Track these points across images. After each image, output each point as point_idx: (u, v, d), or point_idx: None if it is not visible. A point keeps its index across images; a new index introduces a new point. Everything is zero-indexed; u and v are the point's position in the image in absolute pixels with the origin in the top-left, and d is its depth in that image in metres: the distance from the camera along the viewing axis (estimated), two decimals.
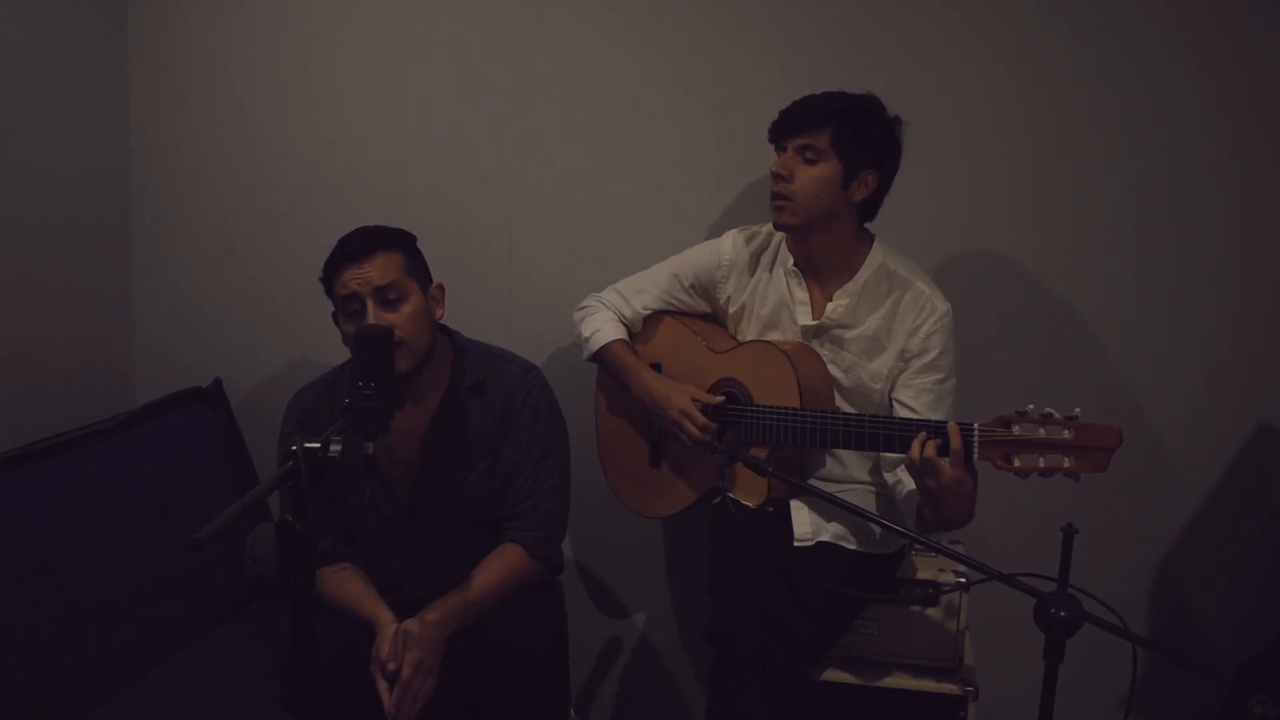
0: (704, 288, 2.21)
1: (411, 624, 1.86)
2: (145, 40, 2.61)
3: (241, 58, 2.59)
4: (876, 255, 2.06)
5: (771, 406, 2.00)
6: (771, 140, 2.04)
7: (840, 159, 1.97)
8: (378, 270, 1.95)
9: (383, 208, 2.52)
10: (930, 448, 1.76)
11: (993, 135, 2.35)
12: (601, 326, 2.22)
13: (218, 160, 2.64)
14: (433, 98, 2.54)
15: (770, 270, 2.13)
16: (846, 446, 1.93)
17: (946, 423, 1.79)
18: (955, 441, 1.76)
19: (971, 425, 1.76)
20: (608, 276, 2.32)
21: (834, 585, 1.88)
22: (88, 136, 2.54)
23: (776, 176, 2.00)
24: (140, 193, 2.67)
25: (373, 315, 1.93)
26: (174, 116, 2.63)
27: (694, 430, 2.06)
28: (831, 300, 2.06)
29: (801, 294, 2.09)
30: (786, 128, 2.01)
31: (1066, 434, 1.68)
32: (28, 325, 2.36)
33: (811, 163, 1.98)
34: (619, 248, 2.47)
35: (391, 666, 1.81)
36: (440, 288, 2.09)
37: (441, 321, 2.10)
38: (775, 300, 2.11)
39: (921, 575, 2.13)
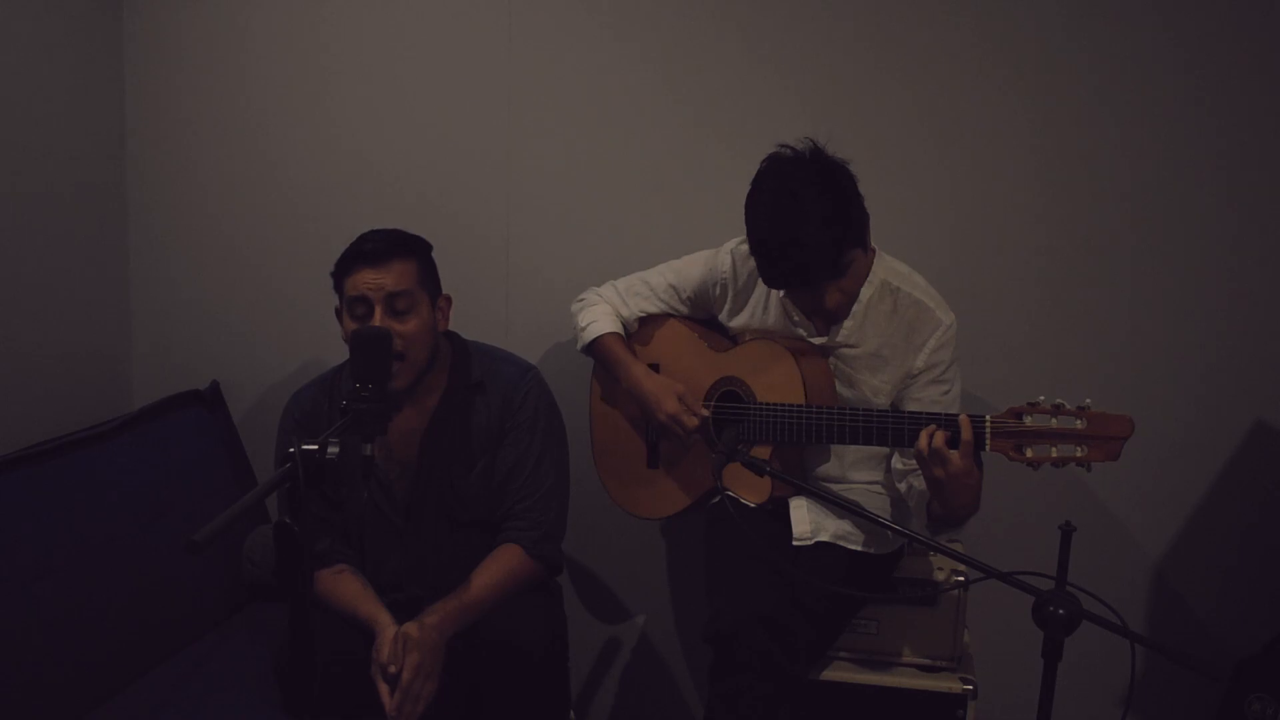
0: (702, 301, 2.21)
1: (411, 627, 1.85)
2: (141, 40, 2.61)
3: (239, 58, 2.59)
4: (878, 272, 2.04)
5: (776, 404, 2.00)
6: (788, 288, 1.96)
7: (861, 246, 1.93)
8: (393, 278, 1.95)
9: (382, 208, 2.53)
10: (939, 438, 1.77)
11: (992, 135, 2.35)
12: (598, 319, 2.22)
13: (215, 161, 2.64)
14: (431, 98, 2.54)
15: (769, 294, 2.11)
16: (855, 442, 1.93)
17: (957, 415, 1.79)
18: (966, 432, 1.76)
19: (983, 417, 1.77)
20: (606, 275, 2.33)
21: (833, 585, 1.88)
22: (84, 136, 2.53)
23: (817, 309, 1.95)
24: (137, 194, 2.66)
25: (379, 322, 1.93)
26: (171, 117, 2.63)
27: (683, 433, 2.08)
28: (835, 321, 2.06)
29: (799, 316, 2.08)
30: (809, 285, 1.90)
31: (1079, 424, 1.69)
32: (26, 328, 2.35)
33: (844, 272, 1.91)
34: (617, 247, 2.47)
35: (392, 669, 1.81)
36: (448, 299, 2.09)
37: None
38: (775, 324, 2.11)
39: (920, 574, 2.14)
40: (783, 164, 1.89)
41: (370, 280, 1.94)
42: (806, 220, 1.82)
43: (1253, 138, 2.28)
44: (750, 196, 1.92)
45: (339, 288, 2.00)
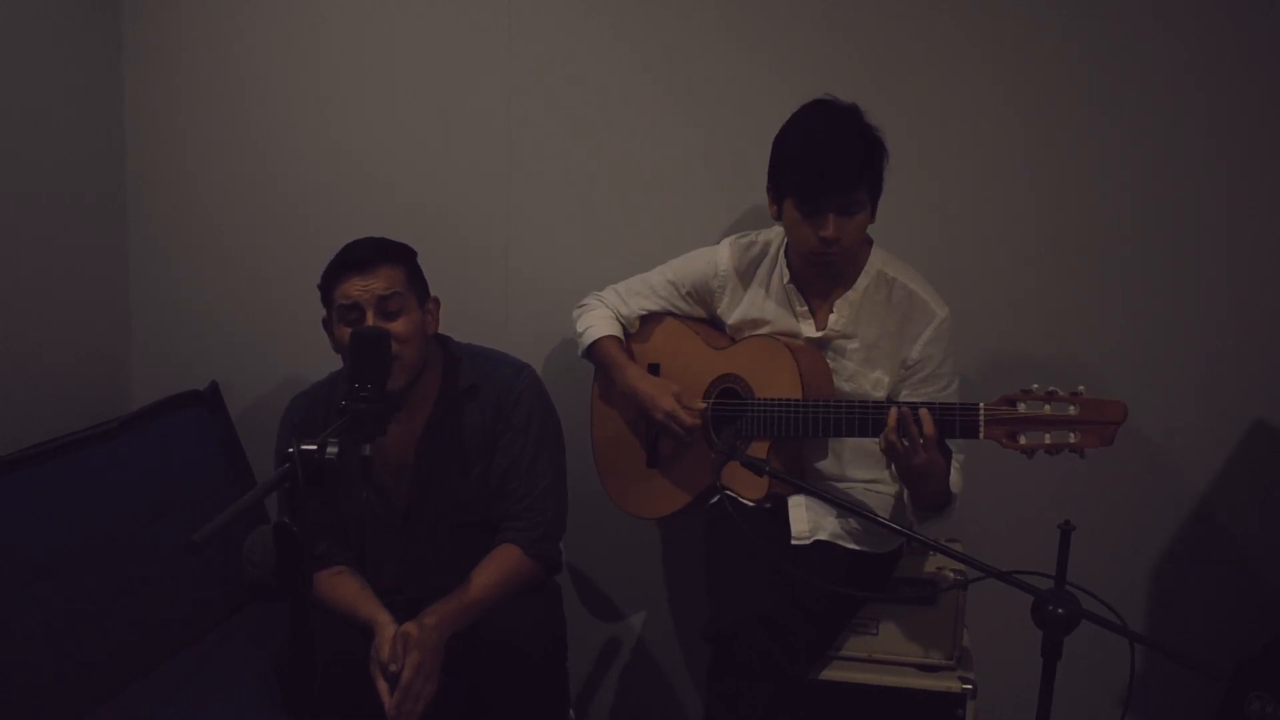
0: (701, 297, 2.22)
1: (410, 627, 1.86)
2: (140, 41, 2.61)
3: (238, 58, 2.59)
4: (875, 262, 2.06)
5: (773, 399, 2.00)
6: (803, 202, 1.93)
7: (870, 200, 1.96)
8: (381, 283, 1.95)
9: (381, 209, 2.53)
10: (911, 429, 1.79)
11: (991, 128, 2.35)
12: (595, 323, 2.23)
13: (215, 161, 2.64)
14: (431, 99, 2.54)
15: (768, 283, 2.13)
16: (852, 434, 1.94)
17: (919, 405, 1.81)
18: (928, 426, 1.79)
19: (976, 405, 1.77)
20: (605, 275, 2.33)
21: (832, 585, 1.88)
22: (83, 138, 2.53)
23: (827, 242, 1.94)
24: (136, 195, 2.67)
25: (371, 323, 1.93)
26: (171, 117, 2.63)
27: (681, 430, 2.09)
28: (833, 311, 2.06)
29: (801, 307, 2.09)
30: (830, 195, 1.91)
31: (1072, 410, 1.70)
32: (25, 328, 2.35)
33: (853, 215, 1.94)
34: (616, 247, 2.48)
35: (393, 668, 1.81)
36: (436, 302, 2.09)
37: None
38: (775, 314, 2.11)
39: (920, 574, 2.14)
40: (825, 97, 1.99)
41: (359, 286, 1.95)
42: (850, 121, 1.93)
43: (1253, 135, 2.28)
44: (788, 123, 1.99)
45: (327, 299, 2.00)
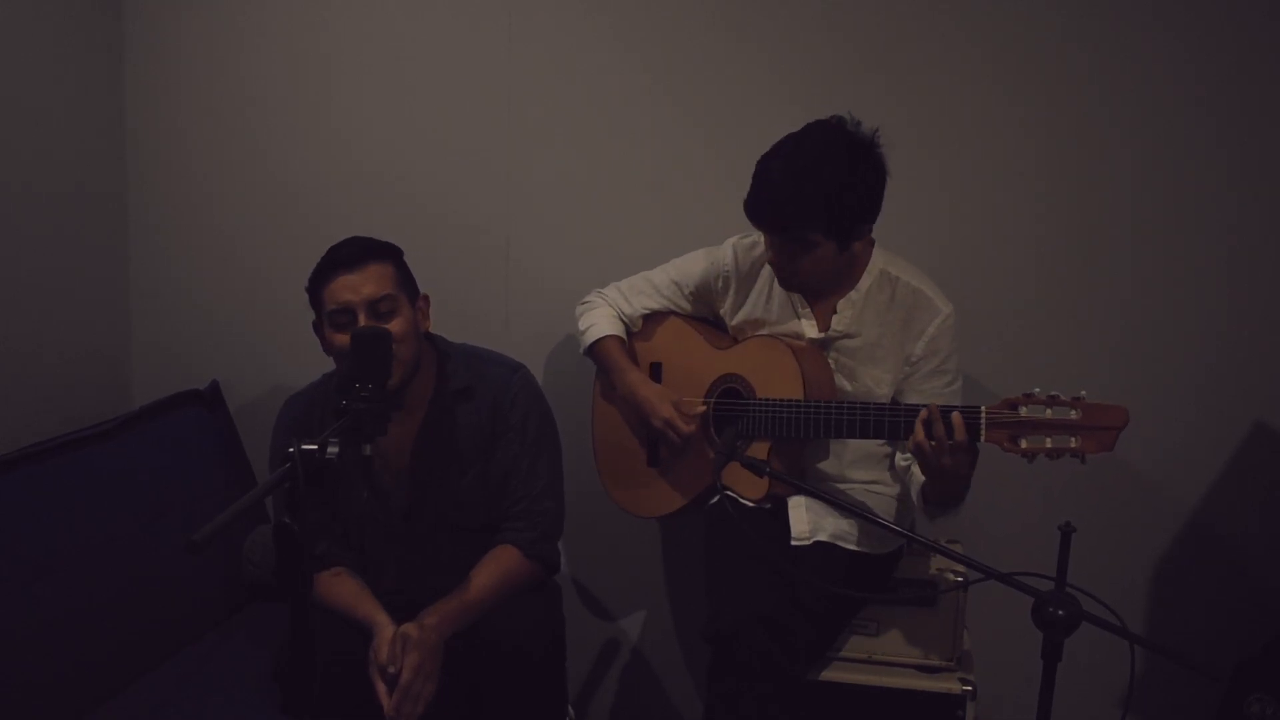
0: (704, 297, 2.22)
1: (410, 628, 1.86)
2: (142, 41, 2.61)
3: (239, 57, 2.59)
4: (877, 261, 2.06)
5: (775, 399, 2.00)
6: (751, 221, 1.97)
7: (835, 239, 1.93)
8: (371, 281, 1.94)
9: (382, 208, 2.54)
10: (938, 428, 1.77)
11: (992, 129, 2.35)
12: (597, 321, 2.23)
13: (215, 162, 2.64)
14: (432, 98, 2.54)
15: (771, 283, 2.13)
16: (853, 435, 1.94)
17: (953, 408, 1.79)
18: (960, 433, 1.76)
19: (978, 408, 1.77)
20: (605, 275, 2.33)
21: (832, 586, 1.88)
22: (85, 137, 2.53)
23: (774, 262, 1.98)
24: (137, 194, 2.67)
25: (365, 324, 1.93)
26: (171, 118, 2.64)
27: (678, 438, 2.10)
28: (835, 311, 2.06)
29: (804, 308, 2.09)
30: (768, 228, 1.95)
31: (1073, 414, 1.70)
32: (26, 328, 2.36)
33: (808, 250, 1.93)
34: (617, 246, 2.48)
35: (391, 669, 1.81)
36: (426, 299, 2.08)
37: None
38: (777, 314, 2.11)
39: (920, 575, 2.14)
40: (832, 121, 1.94)
41: (349, 284, 1.93)
42: (817, 163, 1.86)
43: (1253, 135, 2.28)
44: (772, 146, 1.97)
45: (317, 301, 1.99)
